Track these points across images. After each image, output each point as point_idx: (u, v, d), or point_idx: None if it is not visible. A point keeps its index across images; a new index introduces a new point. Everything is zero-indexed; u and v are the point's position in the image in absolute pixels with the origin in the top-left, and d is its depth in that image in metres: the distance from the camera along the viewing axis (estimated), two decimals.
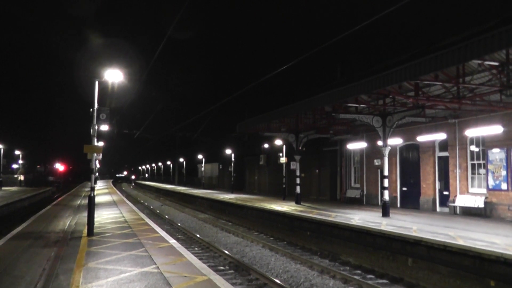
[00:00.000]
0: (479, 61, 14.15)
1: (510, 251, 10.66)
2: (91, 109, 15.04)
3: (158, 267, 9.68)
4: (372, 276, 12.48)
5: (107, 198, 37.61)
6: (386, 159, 19.42)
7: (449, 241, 12.20)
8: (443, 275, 11.97)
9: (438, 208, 22.00)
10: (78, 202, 33.63)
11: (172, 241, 13.66)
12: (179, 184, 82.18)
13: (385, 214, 18.98)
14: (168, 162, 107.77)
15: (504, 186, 18.28)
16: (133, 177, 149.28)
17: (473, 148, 20.13)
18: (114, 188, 69.90)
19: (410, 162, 24.43)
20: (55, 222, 19.15)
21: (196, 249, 16.78)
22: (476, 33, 12.39)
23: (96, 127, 15.02)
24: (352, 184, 29.82)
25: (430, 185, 22.45)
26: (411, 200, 23.86)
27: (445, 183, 21.65)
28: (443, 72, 15.39)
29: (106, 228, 16.42)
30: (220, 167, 66.18)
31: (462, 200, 20.03)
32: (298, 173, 28.42)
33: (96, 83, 15.16)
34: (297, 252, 16.13)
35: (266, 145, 44.33)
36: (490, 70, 15.29)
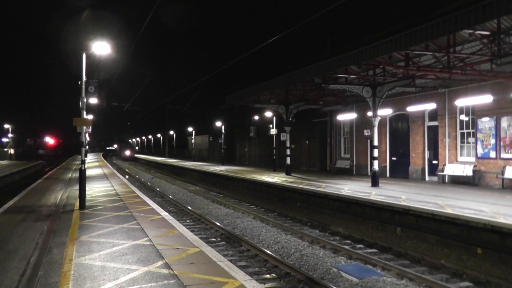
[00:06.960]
0: (470, 31, 14.10)
1: (497, 218, 10.86)
2: (79, 82, 14.88)
3: (150, 240, 9.74)
4: (362, 246, 12.67)
5: (98, 171, 37.54)
6: (376, 130, 19.50)
7: (437, 209, 12.39)
8: (431, 243, 12.19)
9: (427, 177, 22.28)
10: (69, 175, 33.56)
11: (164, 213, 13.73)
12: (170, 156, 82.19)
13: (375, 184, 19.19)
14: (158, 135, 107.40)
15: (492, 154, 18.51)
16: (127, 153, 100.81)
17: (463, 117, 20.26)
18: (105, 161, 69.72)
19: (399, 132, 24.58)
20: (46, 196, 19.13)
21: (188, 221, 16.90)
22: (467, 3, 12.29)
23: (85, 100, 14.88)
24: (342, 155, 30.02)
25: (419, 155, 22.67)
26: (400, 169, 24.12)
27: (434, 152, 21.86)
28: (433, 42, 15.35)
29: (97, 201, 16.44)
30: (210, 140, 66.13)
31: (451, 169, 20.28)
32: (288, 145, 28.55)
33: (84, 55, 14.92)
34: (288, 223, 16.30)
35: (256, 117, 44.31)
36: (481, 40, 15.25)
